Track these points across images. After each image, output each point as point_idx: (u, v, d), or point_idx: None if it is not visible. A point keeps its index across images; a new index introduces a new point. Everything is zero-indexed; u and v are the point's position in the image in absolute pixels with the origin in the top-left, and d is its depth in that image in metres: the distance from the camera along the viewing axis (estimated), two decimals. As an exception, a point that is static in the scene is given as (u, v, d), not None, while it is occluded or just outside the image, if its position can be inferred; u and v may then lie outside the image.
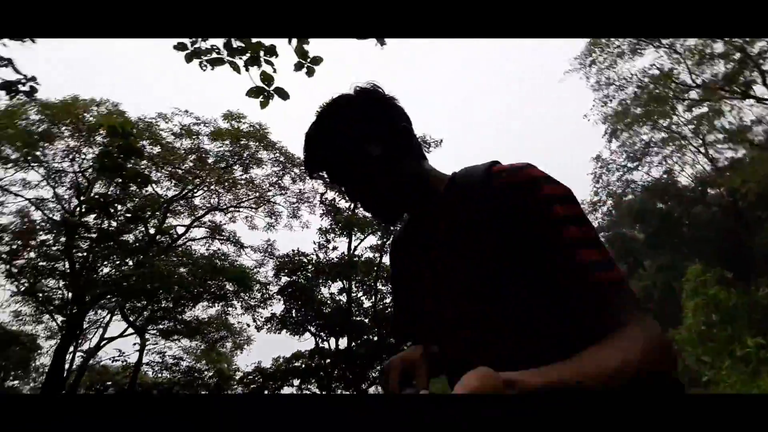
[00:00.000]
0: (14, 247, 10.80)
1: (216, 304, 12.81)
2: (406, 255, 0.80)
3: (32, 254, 11.23)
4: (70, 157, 11.76)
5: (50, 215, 11.86)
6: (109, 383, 14.77)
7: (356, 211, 14.79)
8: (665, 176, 17.94)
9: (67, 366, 11.39)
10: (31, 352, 14.71)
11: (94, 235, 10.44)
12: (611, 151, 18.17)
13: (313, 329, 14.01)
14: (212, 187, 13.93)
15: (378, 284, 14.35)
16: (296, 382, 14.45)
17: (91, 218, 10.02)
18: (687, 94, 13.10)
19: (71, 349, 11.55)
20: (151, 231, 12.65)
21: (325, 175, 0.76)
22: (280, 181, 14.77)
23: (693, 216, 16.33)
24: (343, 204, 15.17)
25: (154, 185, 11.82)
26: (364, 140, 0.71)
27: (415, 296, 0.76)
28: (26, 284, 11.05)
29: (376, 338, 13.97)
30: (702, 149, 16.39)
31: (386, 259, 15.47)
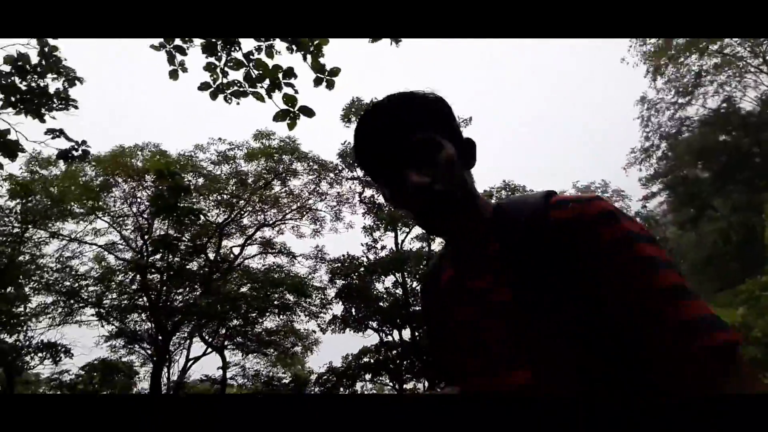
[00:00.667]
0: (99, 291, 11.98)
1: (281, 315, 13.48)
2: (445, 288, 0.74)
3: (114, 294, 12.40)
4: (128, 202, 12.74)
5: (122, 257, 13.00)
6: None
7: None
8: (725, 105, 16.25)
9: (164, 387, 12.57)
10: (131, 378, 16.27)
11: (162, 271, 11.32)
12: (657, 90, 16.79)
13: (374, 325, 14.38)
14: (257, 205, 14.52)
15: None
16: (368, 376, 14.98)
17: (157, 256, 10.84)
18: (739, 12, 11.66)
19: (164, 371, 12.73)
20: (211, 256, 13.48)
21: (375, 155, 0.68)
22: (317, 188, 15.12)
23: (764, 143, 14.70)
24: (382, 200, 15.25)
25: (205, 215, 12.55)
26: (438, 130, 0.66)
27: (457, 331, 0.70)
28: (115, 322, 12.24)
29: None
30: (764, 68, 14.65)
31: (435, 246, 15.43)
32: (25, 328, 11.34)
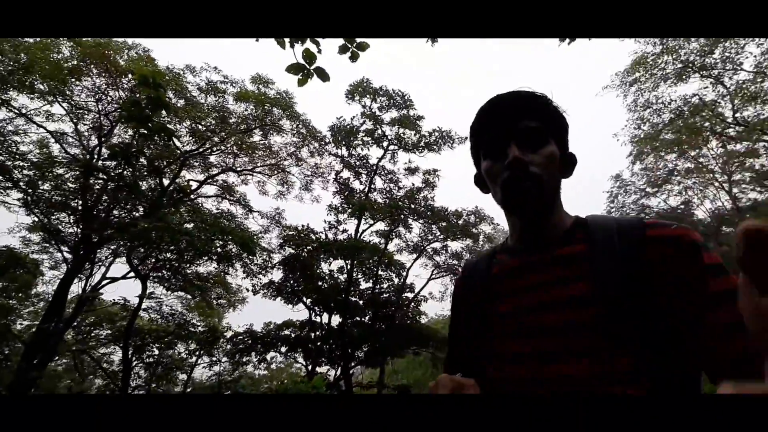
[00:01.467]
0: (33, 176, 10.95)
1: (219, 264, 13.02)
2: (500, 277, 0.78)
3: (48, 186, 11.40)
4: (96, 97, 11.75)
5: (69, 150, 11.96)
6: (105, 322, 15.26)
7: (369, 195, 14.77)
8: (682, 206, 17.71)
9: (70, 296, 11.74)
10: (34, 278, 15.09)
11: (110, 179, 10.56)
12: (632, 173, 17.93)
13: (308, 302, 14.28)
14: (230, 147, 13.92)
15: (379, 270, 14.51)
16: (284, 349, 14.85)
17: (110, 163, 10.10)
18: (725, 130, 12.75)
19: (76, 282, 11.88)
20: (165, 182, 12.75)
21: (489, 126, 0.74)
22: (297, 152, 14.74)
23: (703, 252, 16.15)
24: (357, 185, 15.16)
25: (178, 138, 11.84)
26: (551, 131, 0.73)
27: (507, 319, 0.72)
28: (40, 215, 11.27)
29: (369, 321, 14.22)
30: (726, 186, 16.09)
31: (391, 247, 15.58)
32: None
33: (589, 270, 0.66)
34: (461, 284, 0.89)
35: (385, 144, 14.92)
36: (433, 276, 16.16)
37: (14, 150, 10.60)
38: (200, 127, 13.07)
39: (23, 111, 10.93)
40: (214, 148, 13.79)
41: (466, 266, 0.91)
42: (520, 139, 0.71)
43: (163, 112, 9.95)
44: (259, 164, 14.92)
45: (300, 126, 13.96)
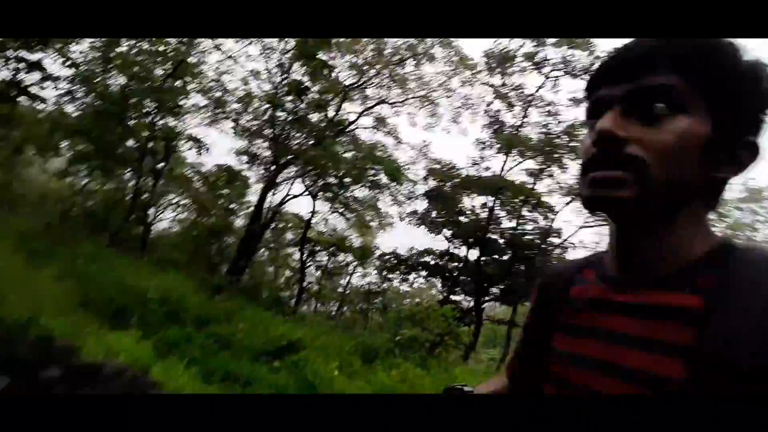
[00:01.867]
0: (238, 109, 13.87)
1: (370, 190, 14.48)
2: (579, 302, 0.57)
3: (249, 117, 14.29)
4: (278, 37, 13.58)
5: (263, 87, 14.50)
6: (290, 226, 19.20)
7: (521, 129, 13.63)
8: None
9: (266, 207, 15.10)
10: (245, 188, 19.51)
11: (288, 112, 12.54)
12: None
13: (448, 234, 14.84)
14: (384, 79, 14.48)
15: (523, 210, 13.78)
16: (424, 273, 16.14)
17: (288, 98, 11.88)
18: None
19: (270, 195, 15.15)
20: (330, 114, 14.38)
21: (600, 85, 0.50)
22: (448, 82, 14.36)
23: None
24: (509, 118, 14.09)
25: (336, 73, 12.97)
26: (707, 95, 0.45)
27: (551, 362, 0.57)
28: (245, 140, 14.38)
29: (508, 260, 14.03)
30: None
31: (539, 187, 14.41)
32: (182, 119, 13.95)
33: (698, 344, 0.41)
34: (538, 293, 0.69)
35: (546, 69, 13.13)
36: (587, 224, 14.46)
37: (225, 87, 13.44)
38: (358, 60, 13.88)
39: (230, 54, 13.52)
40: (370, 81, 14.58)
41: (549, 273, 0.71)
42: (629, 102, 0.46)
43: (324, 48, 10.97)
44: (410, 95, 15.21)
45: (452, 53, 13.39)
